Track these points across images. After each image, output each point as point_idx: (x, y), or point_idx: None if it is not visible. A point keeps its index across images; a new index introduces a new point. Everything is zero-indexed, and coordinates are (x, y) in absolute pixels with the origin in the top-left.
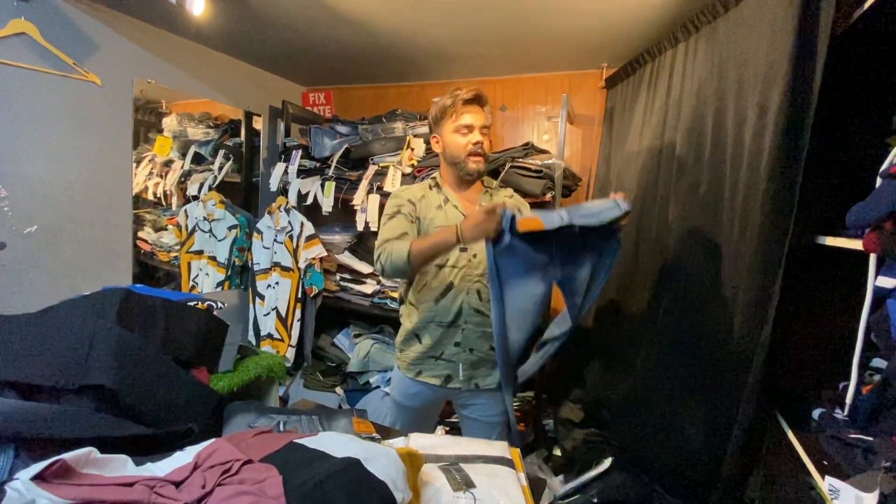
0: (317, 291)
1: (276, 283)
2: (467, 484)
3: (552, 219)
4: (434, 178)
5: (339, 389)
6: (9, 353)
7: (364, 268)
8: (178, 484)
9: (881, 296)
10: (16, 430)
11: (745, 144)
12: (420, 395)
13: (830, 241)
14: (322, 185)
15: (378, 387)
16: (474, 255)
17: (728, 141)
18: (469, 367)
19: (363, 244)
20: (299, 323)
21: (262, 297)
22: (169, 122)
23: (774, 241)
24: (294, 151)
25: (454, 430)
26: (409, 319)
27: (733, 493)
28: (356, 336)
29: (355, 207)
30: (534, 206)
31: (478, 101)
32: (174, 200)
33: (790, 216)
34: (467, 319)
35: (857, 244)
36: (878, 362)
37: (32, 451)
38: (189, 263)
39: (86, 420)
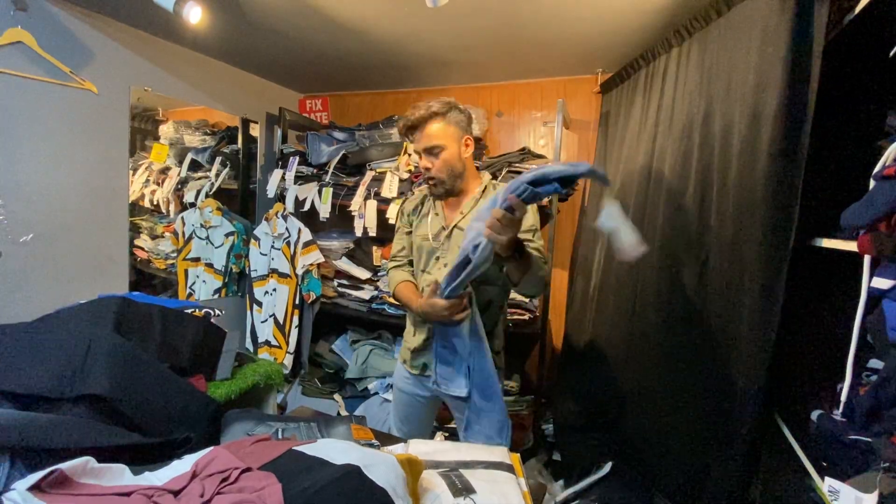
0: (314, 298)
1: (274, 289)
2: (467, 490)
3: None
4: None
5: (337, 396)
6: (5, 362)
7: (362, 273)
8: (176, 493)
9: (876, 296)
10: (12, 440)
11: (738, 149)
12: (412, 379)
13: (826, 242)
14: (319, 192)
15: (377, 393)
16: (445, 265)
17: (720, 145)
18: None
19: (361, 250)
20: (297, 329)
21: (259, 304)
22: (165, 130)
23: (777, 246)
24: (291, 158)
25: (453, 436)
26: (410, 313)
27: (733, 495)
28: (354, 342)
29: (353, 213)
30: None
31: (415, 128)
32: (171, 208)
33: (792, 220)
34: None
35: (851, 245)
36: (876, 363)
37: (29, 460)
38: (186, 271)
39: (83, 429)
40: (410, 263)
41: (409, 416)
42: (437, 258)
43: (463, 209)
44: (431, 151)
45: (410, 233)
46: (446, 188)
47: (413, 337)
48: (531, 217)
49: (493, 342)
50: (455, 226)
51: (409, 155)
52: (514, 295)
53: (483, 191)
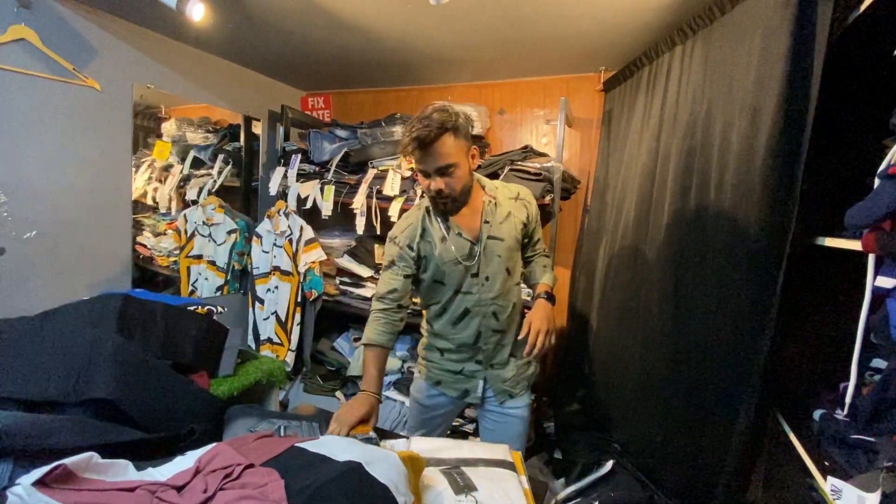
0: (316, 295)
1: (276, 287)
2: (469, 487)
3: None
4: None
5: (339, 394)
6: (10, 367)
7: (364, 271)
8: (179, 488)
9: (880, 295)
10: (17, 444)
11: (738, 147)
12: (440, 396)
13: (829, 241)
14: (321, 189)
15: None
16: (486, 279)
17: (723, 143)
18: (497, 381)
19: (363, 248)
20: (299, 327)
21: (261, 302)
22: (168, 127)
23: (773, 245)
24: (293, 156)
25: (455, 433)
26: (432, 336)
27: (734, 494)
28: (356, 340)
29: (355, 211)
30: None
31: (426, 144)
32: (173, 205)
33: (789, 219)
34: (486, 340)
35: (855, 244)
36: (879, 362)
37: (33, 458)
38: (188, 268)
39: (87, 428)
40: (399, 308)
41: (431, 424)
42: (475, 275)
43: (486, 216)
44: (445, 171)
45: (421, 260)
46: (459, 204)
47: (442, 358)
48: (534, 209)
49: (520, 349)
50: (488, 236)
51: None
52: None
53: (492, 195)
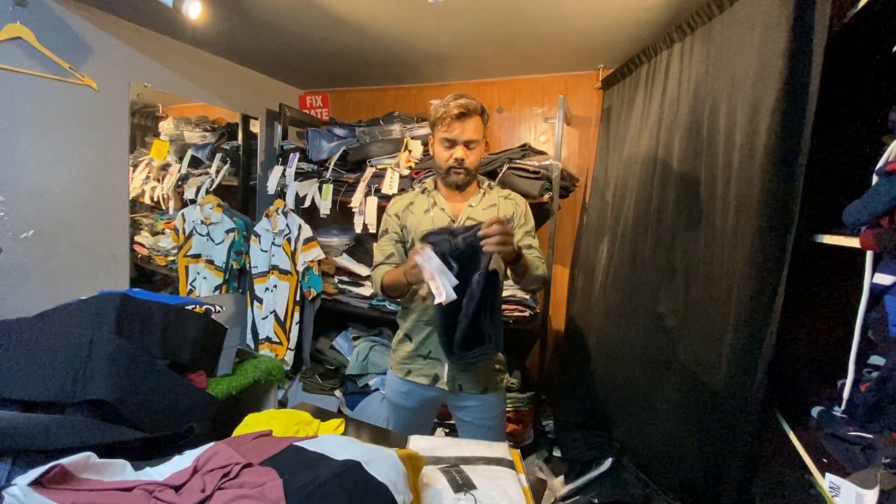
0: (315, 294)
1: (275, 286)
2: (468, 485)
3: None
4: (431, 180)
5: (338, 392)
6: (8, 368)
7: (362, 270)
8: (177, 488)
9: (878, 292)
10: (15, 444)
11: (739, 144)
12: (412, 394)
13: (828, 238)
14: (320, 188)
15: (377, 389)
16: None
17: (723, 140)
18: (452, 369)
19: (361, 246)
20: (298, 326)
21: (260, 301)
22: (165, 126)
23: (774, 242)
24: (291, 154)
25: (454, 431)
26: (402, 320)
27: (732, 492)
28: (355, 339)
29: (353, 210)
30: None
31: (465, 116)
32: (171, 204)
33: (791, 216)
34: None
35: (854, 242)
36: (877, 359)
37: (31, 458)
38: (187, 267)
39: (84, 428)
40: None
41: (411, 425)
42: None
43: (471, 202)
44: (469, 145)
45: (404, 229)
46: (468, 179)
47: (411, 343)
48: (531, 219)
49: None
50: (467, 217)
51: (410, 151)
52: (515, 292)
53: (484, 188)
